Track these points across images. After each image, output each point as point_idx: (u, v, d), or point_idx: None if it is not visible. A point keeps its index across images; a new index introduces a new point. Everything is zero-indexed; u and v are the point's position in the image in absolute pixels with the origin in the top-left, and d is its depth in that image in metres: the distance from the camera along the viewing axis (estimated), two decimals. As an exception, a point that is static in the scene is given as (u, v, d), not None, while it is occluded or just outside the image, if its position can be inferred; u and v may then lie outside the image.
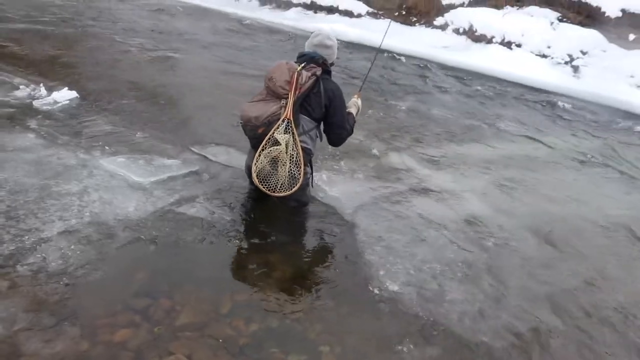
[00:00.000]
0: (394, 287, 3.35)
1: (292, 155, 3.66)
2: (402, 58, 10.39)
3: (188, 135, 5.27)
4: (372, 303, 3.22)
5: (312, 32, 4.21)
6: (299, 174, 3.67)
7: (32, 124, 5.08)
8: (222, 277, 3.25)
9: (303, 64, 3.82)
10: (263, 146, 3.64)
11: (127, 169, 4.31)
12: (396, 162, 5.28)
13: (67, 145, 4.69)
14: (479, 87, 8.97)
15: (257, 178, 3.64)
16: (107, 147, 4.71)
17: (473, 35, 11.97)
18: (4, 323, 2.69)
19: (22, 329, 2.67)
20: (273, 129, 3.64)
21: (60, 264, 3.14)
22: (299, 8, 13.92)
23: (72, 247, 3.29)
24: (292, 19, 13.04)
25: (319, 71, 3.83)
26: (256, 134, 3.72)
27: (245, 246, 3.60)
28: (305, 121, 3.80)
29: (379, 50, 5.17)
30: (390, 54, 10.59)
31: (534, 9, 12.06)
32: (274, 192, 3.67)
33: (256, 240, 3.68)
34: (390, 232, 3.99)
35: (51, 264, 3.13)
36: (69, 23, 10.22)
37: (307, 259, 3.61)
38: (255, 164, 3.64)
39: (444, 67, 10.32)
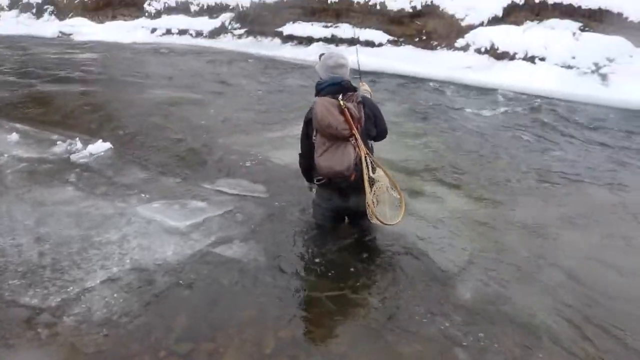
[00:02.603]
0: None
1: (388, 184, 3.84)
2: (426, 82, 10.42)
3: (220, 177, 5.36)
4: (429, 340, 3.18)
5: (322, 55, 4.03)
6: (398, 194, 3.83)
7: (71, 177, 5.28)
8: (263, 317, 3.25)
9: (340, 95, 3.74)
10: (370, 191, 3.73)
11: (163, 214, 4.41)
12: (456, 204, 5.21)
13: (105, 195, 4.84)
14: (503, 105, 8.90)
15: (378, 217, 3.72)
16: (142, 195, 4.84)
17: (495, 54, 11.94)
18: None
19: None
20: (365, 171, 3.72)
21: (104, 312, 3.21)
22: (320, 43, 14.12)
23: (115, 295, 3.37)
24: (316, 53, 13.20)
25: (359, 97, 3.82)
26: (349, 182, 3.78)
27: (284, 284, 3.58)
28: (369, 142, 3.92)
29: (360, 73, 4.96)
30: (413, 80, 10.64)
31: (554, 22, 11.97)
32: (389, 222, 3.76)
33: (295, 278, 3.67)
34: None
35: (95, 313, 3.20)
36: (97, 77, 10.60)
37: (351, 294, 3.53)
38: (374, 206, 3.72)
39: (468, 87, 10.30)
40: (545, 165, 5.85)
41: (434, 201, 4.88)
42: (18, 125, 6.97)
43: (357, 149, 3.74)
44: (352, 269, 3.77)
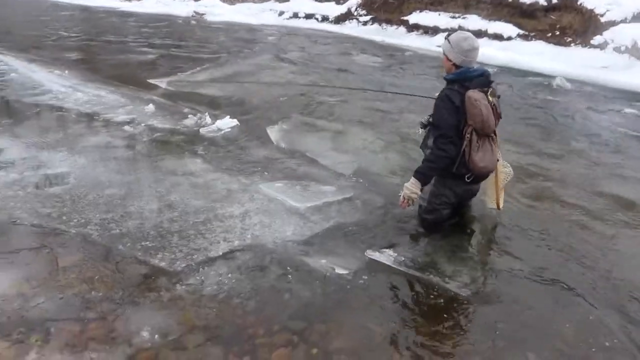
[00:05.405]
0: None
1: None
2: (558, 80, 9.84)
3: (342, 162, 5.39)
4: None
5: (449, 35, 3.88)
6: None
7: (199, 150, 5.56)
8: (375, 307, 3.21)
9: (486, 90, 3.67)
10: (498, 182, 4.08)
11: (285, 194, 4.50)
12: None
13: (230, 170, 5.04)
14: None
15: (499, 204, 4.18)
16: (265, 173, 4.98)
17: (637, 53, 11.06)
18: (160, 333, 2.90)
19: (174, 340, 2.86)
20: (500, 165, 4.00)
21: (223, 283, 3.33)
22: (446, 33, 13.76)
23: (237, 268, 3.48)
24: (441, 44, 12.88)
25: (497, 90, 3.77)
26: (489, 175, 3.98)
27: (398, 279, 3.50)
28: None
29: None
30: (544, 77, 10.10)
31: None
32: (500, 207, 4.21)
33: (411, 272, 3.57)
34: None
35: (213, 284, 3.32)
36: (227, 57, 11.04)
37: (464, 293, 3.39)
38: (499, 196, 4.14)
39: (604, 88, 9.60)
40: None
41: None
42: (155, 97, 7.44)
43: (495, 144, 3.69)
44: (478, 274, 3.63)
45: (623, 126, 7.24)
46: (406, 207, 3.88)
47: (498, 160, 3.91)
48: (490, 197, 4.20)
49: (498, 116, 3.75)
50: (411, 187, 3.78)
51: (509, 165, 4.14)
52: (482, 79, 3.70)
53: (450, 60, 3.78)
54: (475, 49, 3.70)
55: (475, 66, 3.76)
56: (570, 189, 4.96)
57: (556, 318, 3.17)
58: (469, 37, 3.73)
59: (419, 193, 3.82)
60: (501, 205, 4.19)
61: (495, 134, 3.80)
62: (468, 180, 3.78)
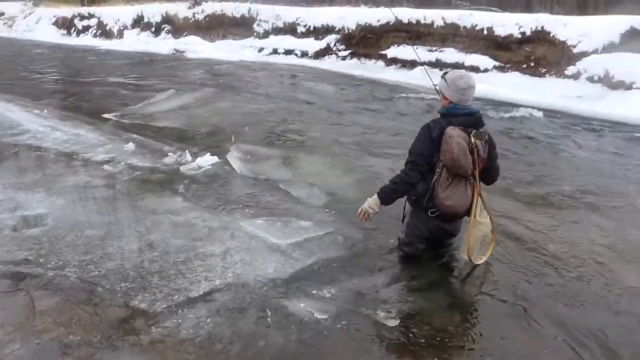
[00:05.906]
0: None
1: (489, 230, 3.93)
2: (532, 111, 10.01)
3: (321, 196, 5.38)
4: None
5: (445, 74, 3.84)
6: (491, 239, 3.97)
7: (180, 188, 5.53)
8: (354, 346, 3.16)
9: (470, 130, 3.65)
10: (472, 233, 3.76)
11: (266, 231, 4.48)
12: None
13: (211, 208, 5.02)
14: (614, 139, 8.32)
15: (471, 257, 3.82)
16: (246, 210, 4.96)
17: (610, 83, 11.30)
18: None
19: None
20: (473, 211, 3.76)
21: (206, 323, 3.28)
22: (424, 67, 13.95)
23: (216, 311, 3.42)
24: (419, 78, 13.04)
25: (487, 134, 3.73)
26: (460, 217, 3.92)
27: (381, 318, 3.41)
28: None
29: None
30: (519, 107, 10.27)
31: (682, 49, 11.20)
32: (475, 261, 3.87)
33: (394, 308, 3.52)
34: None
35: (197, 323, 3.28)
36: (205, 93, 11.11)
37: (442, 334, 3.35)
38: (472, 249, 3.81)
39: (577, 117, 9.77)
40: None
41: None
42: (134, 136, 7.43)
43: (473, 188, 3.70)
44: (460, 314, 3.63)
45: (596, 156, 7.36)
46: (362, 220, 4.01)
47: (473, 207, 3.76)
48: (463, 245, 3.92)
49: (482, 161, 3.72)
50: (372, 202, 3.92)
51: (488, 216, 3.90)
52: (470, 118, 3.72)
53: (446, 99, 3.81)
54: (471, 87, 3.74)
55: (470, 104, 3.80)
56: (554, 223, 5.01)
57: (535, 347, 3.16)
58: (465, 75, 3.80)
59: (377, 210, 3.92)
60: (478, 260, 3.89)
61: (474, 178, 3.74)
62: (432, 215, 3.81)
